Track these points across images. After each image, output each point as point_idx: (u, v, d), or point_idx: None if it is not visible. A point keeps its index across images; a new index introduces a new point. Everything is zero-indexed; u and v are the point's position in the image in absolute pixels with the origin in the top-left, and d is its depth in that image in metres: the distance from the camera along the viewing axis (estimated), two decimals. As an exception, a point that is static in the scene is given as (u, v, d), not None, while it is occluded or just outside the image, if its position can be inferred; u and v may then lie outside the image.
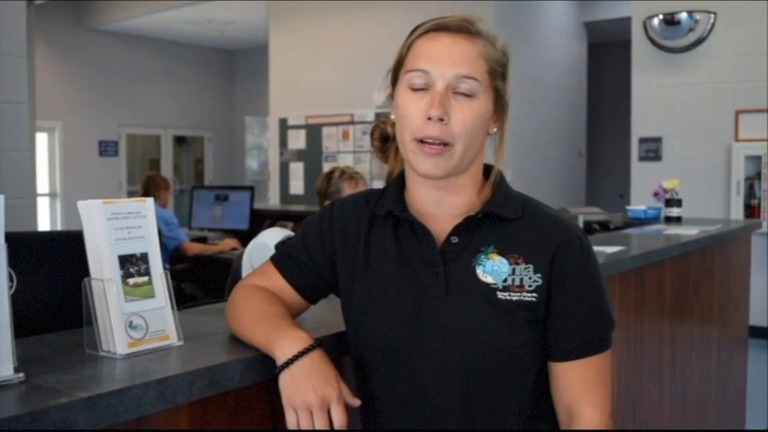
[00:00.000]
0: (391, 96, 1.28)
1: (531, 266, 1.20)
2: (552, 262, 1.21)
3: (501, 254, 1.21)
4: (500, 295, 1.19)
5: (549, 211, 1.28)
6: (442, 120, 1.17)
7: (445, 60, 1.19)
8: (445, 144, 1.19)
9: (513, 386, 1.20)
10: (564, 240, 1.22)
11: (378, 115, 6.12)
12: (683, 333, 3.00)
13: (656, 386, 2.74)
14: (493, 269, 1.20)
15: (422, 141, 1.19)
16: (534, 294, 1.19)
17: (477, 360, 1.18)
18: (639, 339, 2.60)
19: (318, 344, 1.18)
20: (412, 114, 1.20)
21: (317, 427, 1.10)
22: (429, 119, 1.18)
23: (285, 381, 1.13)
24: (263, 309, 1.28)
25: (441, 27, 1.22)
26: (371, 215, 1.31)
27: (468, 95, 1.19)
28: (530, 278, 1.20)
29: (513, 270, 1.20)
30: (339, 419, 1.12)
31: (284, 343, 1.16)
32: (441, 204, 1.26)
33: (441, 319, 1.20)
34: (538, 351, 1.22)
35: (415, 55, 1.22)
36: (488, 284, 1.20)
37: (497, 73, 1.23)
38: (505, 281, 1.20)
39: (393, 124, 1.33)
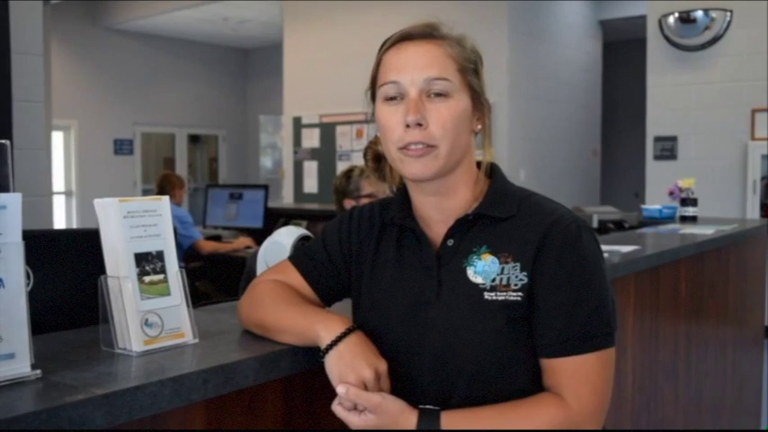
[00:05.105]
0: (373, 114, 1.30)
1: (518, 265, 1.18)
2: (536, 257, 1.18)
3: (493, 253, 1.20)
4: (487, 296, 1.18)
5: (548, 206, 1.24)
6: (420, 125, 1.19)
7: (413, 67, 1.21)
8: (429, 146, 1.19)
9: (511, 386, 1.18)
10: (548, 233, 1.18)
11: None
12: (698, 333, 2.99)
13: (671, 386, 2.73)
14: (484, 269, 1.20)
15: (405, 148, 1.20)
16: (519, 293, 1.17)
17: (469, 361, 1.17)
18: (654, 339, 2.59)
19: (356, 327, 1.22)
20: (391, 125, 1.22)
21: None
22: (407, 126, 1.19)
23: (333, 360, 1.16)
24: (293, 298, 1.31)
25: (405, 37, 1.24)
26: (383, 222, 1.33)
27: (443, 95, 1.20)
28: (516, 277, 1.18)
29: (502, 269, 1.19)
30: (388, 389, 1.17)
31: (328, 324, 1.20)
32: (440, 209, 1.27)
33: (432, 321, 1.21)
34: (529, 351, 1.18)
35: (384, 68, 1.24)
36: (477, 285, 1.19)
37: (469, 70, 1.24)
38: (494, 281, 1.19)
39: None
